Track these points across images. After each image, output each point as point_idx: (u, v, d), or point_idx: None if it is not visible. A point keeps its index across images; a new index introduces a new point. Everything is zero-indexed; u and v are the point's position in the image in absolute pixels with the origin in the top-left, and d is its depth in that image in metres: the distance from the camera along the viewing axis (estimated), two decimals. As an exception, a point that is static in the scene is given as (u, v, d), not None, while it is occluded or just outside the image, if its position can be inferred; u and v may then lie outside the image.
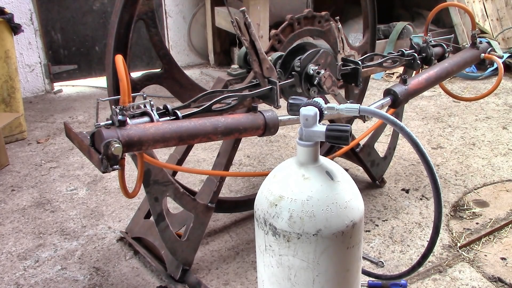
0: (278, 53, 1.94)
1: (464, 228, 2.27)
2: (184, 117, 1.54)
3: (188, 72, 3.48)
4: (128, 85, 1.32)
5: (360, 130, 3.22)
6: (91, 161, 1.39)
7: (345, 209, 1.17)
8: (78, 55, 4.37)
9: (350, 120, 2.46)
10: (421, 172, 2.78)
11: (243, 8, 1.71)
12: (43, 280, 2.00)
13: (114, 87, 1.69)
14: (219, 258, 2.11)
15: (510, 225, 2.28)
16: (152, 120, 1.43)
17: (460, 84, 4.23)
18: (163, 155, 2.89)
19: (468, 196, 2.54)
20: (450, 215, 2.39)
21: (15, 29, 3.14)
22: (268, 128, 1.64)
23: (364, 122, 2.46)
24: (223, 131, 1.52)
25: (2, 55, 3.12)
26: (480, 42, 2.42)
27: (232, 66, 2.06)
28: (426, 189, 2.61)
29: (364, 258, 2.05)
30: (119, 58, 1.31)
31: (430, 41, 2.32)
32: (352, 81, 2.10)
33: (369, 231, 2.26)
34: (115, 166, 1.31)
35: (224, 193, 2.61)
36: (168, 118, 1.51)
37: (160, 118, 1.47)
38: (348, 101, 2.12)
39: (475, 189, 2.61)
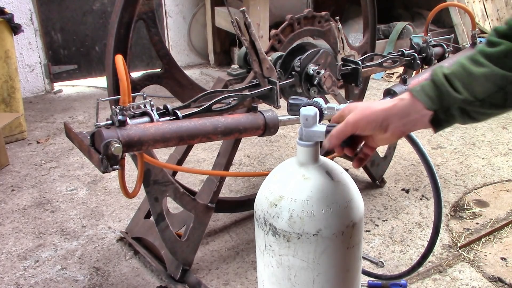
0: (278, 53, 1.94)
1: (464, 228, 2.27)
2: (184, 117, 1.54)
3: (188, 72, 3.48)
4: (128, 85, 1.32)
5: (360, 130, 3.22)
6: (91, 161, 1.39)
7: (345, 209, 1.17)
8: (78, 55, 4.37)
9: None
10: (421, 172, 2.78)
11: (243, 8, 1.71)
12: (43, 280, 2.00)
13: (114, 87, 1.69)
14: (219, 258, 2.11)
15: (510, 225, 2.28)
16: (152, 120, 1.43)
17: (460, 84, 4.23)
18: (163, 155, 2.89)
19: (468, 196, 2.54)
20: (450, 215, 2.39)
21: (15, 29, 3.14)
22: (268, 128, 1.64)
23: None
24: (223, 131, 1.52)
25: (2, 55, 3.12)
26: (480, 42, 2.41)
27: (232, 66, 2.06)
28: (426, 189, 2.61)
29: (364, 258, 2.05)
30: (119, 58, 1.31)
31: (430, 41, 2.32)
32: (352, 81, 2.10)
33: (369, 231, 2.26)
34: (115, 166, 1.31)
35: (224, 193, 2.61)
36: (168, 118, 1.51)
37: (160, 118, 1.47)
38: (348, 101, 2.12)
39: (475, 189, 2.61)
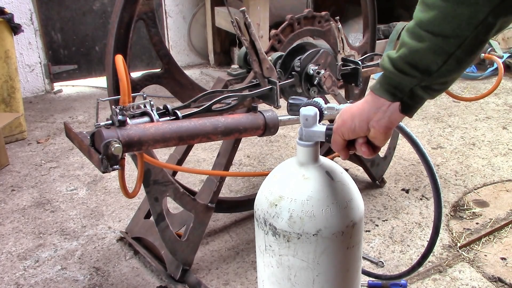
0: (278, 53, 1.94)
1: (464, 228, 2.27)
2: (184, 117, 1.54)
3: (188, 72, 3.48)
4: (128, 85, 1.32)
5: (360, 130, 3.21)
6: (91, 161, 1.39)
7: (345, 209, 1.17)
8: (78, 55, 4.37)
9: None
10: (421, 172, 2.78)
11: (243, 8, 1.71)
12: (43, 280, 2.00)
13: (114, 87, 1.69)
14: (219, 258, 2.11)
15: (510, 225, 2.28)
16: (152, 120, 1.43)
17: (460, 84, 4.24)
18: (163, 155, 2.89)
19: (468, 196, 2.54)
20: (450, 215, 2.39)
21: (15, 29, 3.14)
22: (268, 128, 1.64)
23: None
24: (223, 131, 1.52)
25: (2, 55, 3.12)
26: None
27: (232, 66, 2.06)
28: (426, 189, 2.61)
29: (364, 258, 2.05)
30: (119, 58, 1.31)
31: (430, 41, 2.31)
32: (352, 81, 2.10)
33: (369, 231, 2.26)
34: (115, 166, 1.31)
35: (224, 193, 2.61)
36: (168, 118, 1.51)
37: (160, 118, 1.47)
38: (348, 101, 2.13)
39: (475, 189, 2.61)
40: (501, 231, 2.24)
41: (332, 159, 2.00)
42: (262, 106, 1.67)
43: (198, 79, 4.53)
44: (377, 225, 2.31)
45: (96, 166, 1.35)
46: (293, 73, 1.86)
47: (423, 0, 0.91)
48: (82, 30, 4.31)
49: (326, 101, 1.46)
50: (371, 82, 4.07)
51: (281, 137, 3.29)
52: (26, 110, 3.64)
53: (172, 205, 2.18)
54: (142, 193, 1.86)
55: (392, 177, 2.74)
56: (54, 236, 2.28)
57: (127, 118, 1.36)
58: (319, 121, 1.19)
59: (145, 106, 1.44)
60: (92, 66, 4.46)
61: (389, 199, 2.53)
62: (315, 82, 1.85)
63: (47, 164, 2.98)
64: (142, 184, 1.54)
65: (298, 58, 1.85)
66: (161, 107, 1.54)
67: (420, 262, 1.45)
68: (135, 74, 1.85)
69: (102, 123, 1.35)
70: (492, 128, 3.37)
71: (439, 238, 1.96)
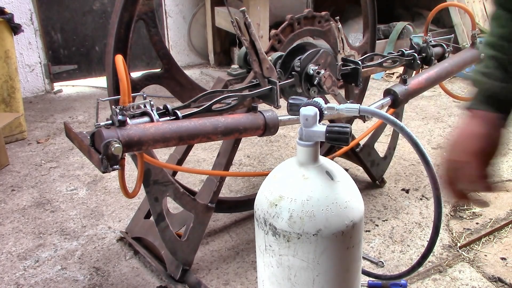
0: (278, 53, 1.94)
1: (464, 228, 2.27)
2: (184, 117, 1.54)
3: (188, 72, 3.48)
4: (128, 85, 1.32)
5: (360, 130, 3.22)
6: (91, 161, 1.39)
7: (345, 209, 1.17)
8: (78, 55, 4.37)
9: (350, 120, 2.46)
10: (421, 172, 2.78)
11: (243, 8, 1.71)
12: (43, 280, 2.00)
13: (114, 87, 1.69)
14: (219, 258, 2.11)
15: (510, 225, 2.28)
16: (152, 120, 1.43)
17: (460, 84, 4.23)
18: (163, 155, 2.89)
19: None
20: (450, 215, 2.39)
21: (15, 29, 3.14)
22: (268, 128, 1.64)
23: (364, 122, 2.46)
24: (223, 131, 1.52)
25: (2, 55, 3.12)
26: (480, 42, 2.41)
27: (232, 66, 2.06)
28: (426, 189, 2.60)
29: (364, 258, 2.05)
30: (119, 58, 1.31)
31: (430, 41, 2.31)
32: (352, 81, 2.10)
33: (369, 231, 2.26)
34: (115, 166, 1.31)
35: (224, 193, 2.61)
36: (168, 118, 1.51)
37: (160, 118, 1.47)
38: (348, 101, 2.12)
39: (475, 189, 2.60)
40: (501, 231, 2.24)
41: (332, 159, 2.00)
42: (262, 106, 1.67)
43: (198, 79, 4.53)
44: (377, 225, 2.31)
45: (96, 166, 1.35)
46: (293, 73, 1.86)
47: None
48: (82, 30, 4.31)
49: (326, 101, 1.46)
50: (371, 82, 4.07)
51: (281, 137, 3.29)
52: (26, 110, 3.64)
53: (172, 205, 2.18)
54: (142, 193, 1.86)
55: (392, 177, 2.74)
56: (54, 236, 2.28)
57: (127, 118, 1.36)
58: (319, 121, 1.19)
59: (145, 106, 1.44)
60: (92, 66, 4.46)
61: (389, 199, 2.53)
62: (315, 82, 1.85)
63: (47, 164, 2.98)
64: (142, 184, 1.54)
65: (298, 58, 1.85)
66: (161, 107, 1.54)
67: (420, 262, 1.45)
68: (135, 74, 1.85)
69: (102, 123, 1.35)
70: (492, 128, 3.36)
71: (439, 238, 1.96)
